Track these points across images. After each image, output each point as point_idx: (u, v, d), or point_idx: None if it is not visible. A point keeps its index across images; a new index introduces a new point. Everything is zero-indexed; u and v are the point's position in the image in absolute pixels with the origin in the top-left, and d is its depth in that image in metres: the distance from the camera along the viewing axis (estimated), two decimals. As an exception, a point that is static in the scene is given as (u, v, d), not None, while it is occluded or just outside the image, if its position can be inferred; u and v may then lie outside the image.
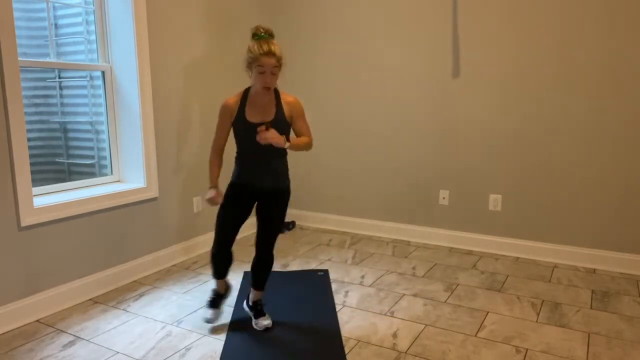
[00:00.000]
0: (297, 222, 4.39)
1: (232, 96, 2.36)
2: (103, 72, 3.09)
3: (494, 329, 2.41)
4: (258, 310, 2.48)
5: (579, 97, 3.14)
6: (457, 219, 3.65)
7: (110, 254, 2.95)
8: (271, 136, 2.19)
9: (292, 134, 2.36)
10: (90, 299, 2.81)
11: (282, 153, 2.37)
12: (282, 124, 2.29)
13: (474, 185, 3.55)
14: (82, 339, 2.35)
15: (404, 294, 2.83)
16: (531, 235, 3.41)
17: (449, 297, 2.79)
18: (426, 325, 2.46)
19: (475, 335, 2.35)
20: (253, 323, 2.47)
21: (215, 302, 2.50)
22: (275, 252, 2.40)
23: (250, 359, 2.15)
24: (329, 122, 4.08)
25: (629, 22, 2.95)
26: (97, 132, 3.13)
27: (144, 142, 3.12)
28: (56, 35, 2.92)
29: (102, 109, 3.13)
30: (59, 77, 2.93)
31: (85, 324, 2.50)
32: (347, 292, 2.88)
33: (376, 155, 3.91)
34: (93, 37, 3.05)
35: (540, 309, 2.62)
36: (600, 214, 3.18)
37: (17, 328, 2.46)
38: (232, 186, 2.38)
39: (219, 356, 2.18)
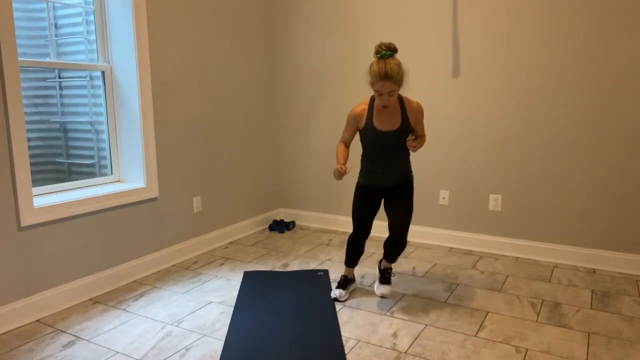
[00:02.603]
0: (297, 222, 4.39)
1: (359, 104, 2.56)
2: (103, 72, 3.09)
3: (494, 329, 2.41)
4: (385, 277, 2.80)
5: (579, 96, 3.14)
6: (457, 219, 3.65)
7: (110, 254, 2.95)
8: (417, 145, 2.45)
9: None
10: (90, 299, 2.81)
11: (406, 154, 2.60)
12: (407, 129, 2.50)
13: (474, 185, 3.55)
14: (82, 339, 2.35)
15: (404, 294, 2.83)
16: (531, 235, 3.41)
17: (449, 297, 2.79)
18: (426, 325, 2.46)
19: (475, 335, 2.35)
20: (375, 286, 2.84)
21: (344, 285, 2.79)
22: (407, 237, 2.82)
23: (250, 359, 2.15)
24: (329, 122, 4.08)
25: (629, 22, 2.95)
26: (97, 132, 3.13)
27: (144, 142, 3.12)
28: (56, 35, 2.92)
29: (102, 109, 3.13)
30: (59, 77, 2.93)
31: (85, 324, 2.51)
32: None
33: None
34: (93, 37, 3.05)
35: (540, 309, 2.62)
36: (600, 214, 3.18)
37: (17, 328, 2.46)
38: (361, 186, 2.66)
39: (219, 356, 2.18)
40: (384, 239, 3.21)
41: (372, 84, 2.34)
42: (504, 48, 3.32)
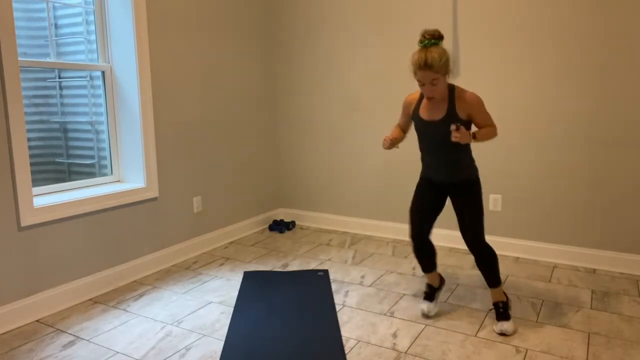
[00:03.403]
0: (297, 222, 4.39)
1: (415, 91, 2.47)
2: (103, 72, 3.09)
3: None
4: (499, 312, 2.39)
5: (579, 97, 3.14)
6: (457, 219, 3.64)
7: (111, 254, 2.95)
8: (460, 136, 2.19)
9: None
10: (90, 299, 2.81)
11: (460, 148, 2.35)
12: (452, 121, 2.28)
13: (474, 185, 3.55)
14: (82, 339, 2.35)
15: (404, 294, 2.83)
16: (531, 235, 3.41)
17: (449, 297, 2.79)
18: (426, 325, 2.46)
19: (475, 335, 2.34)
20: (494, 325, 2.40)
21: (429, 295, 2.56)
22: (486, 241, 2.40)
23: (250, 359, 2.15)
24: (330, 122, 4.08)
25: (629, 22, 2.95)
26: (97, 132, 3.13)
27: (144, 142, 3.12)
28: (56, 35, 2.92)
29: (102, 109, 3.13)
30: (59, 77, 2.93)
31: (85, 324, 2.51)
32: (347, 292, 2.88)
33: (376, 155, 3.91)
34: (93, 37, 3.05)
35: (540, 309, 2.62)
36: (600, 214, 3.18)
37: (17, 328, 2.46)
38: (420, 178, 2.53)
39: (219, 356, 2.18)
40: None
41: (414, 74, 2.23)
42: (503, 48, 3.32)
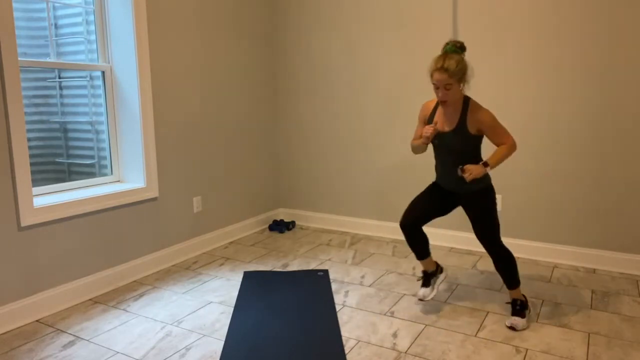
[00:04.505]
0: (297, 222, 4.39)
1: (431, 100, 2.54)
2: (103, 72, 3.09)
3: (494, 329, 2.41)
4: (515, 309, 2.45)
5: (579, 97, 3.14)
6: (457, 219, 3.65)
7: (110, 254, 2.95)
8: (471, 175, 2.27)
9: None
10: (90, 299, 2.81)
11: (469, 160, 2.38)
12: (461, 135, 2.35)
13: (474, 185, 3.55)
14: (82, 339, 2.35)
15: (404, 294, 2.83)
16: (531, 235, 3.41)
17: (449, 297, 2.79)
18: (426, 325, 2.46)
19: (475, 335, 2.35)
20: (506, 320, 2.47)
21: (425, 281, 2.63)
22: (504, 244, 2.47)
23: (250, 359, 2.15)
24: (330, 122, 4.08)
25: (629, 21, 2.95)
26: (97, 132, 3.13)
27: (144, 142, 3.12)
28: (56, 35, 2.92)
29: (102, 109, 3.13)
30: (59, 77, 2.93)
31: (85, 324, 2.51)
32: (347, 292, 2.88)
33: (376, 155, 3.91)
34: (93, 37, 3.05)
35: (540, 309, 2.62)
36: (600, 214, 3.18)
37: (17, 328, 2.46)
38: (433, 182, 2.61)
39: (219, 356, 2.18)
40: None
41: (431, 76, 2.31)
42: (504, 47, 3.32)
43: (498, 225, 2.42)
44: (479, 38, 3.39)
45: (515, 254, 3.46)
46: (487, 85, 3.40)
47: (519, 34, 3.27)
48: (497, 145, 2.38)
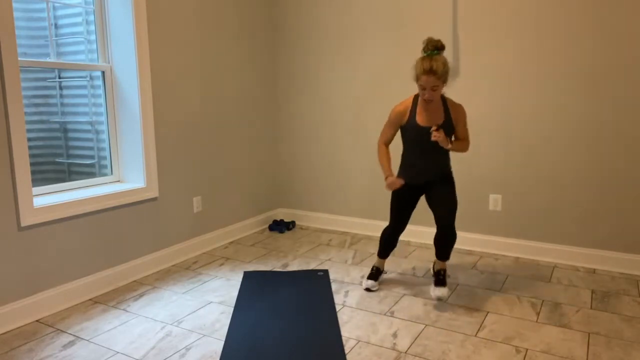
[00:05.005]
0: (297, 222, 4.39)
1: (401, 102, 2.67)
2: (103, 72, 3.09)
3: (494, 329, 2.41)
4: (439, 279, 2.72)
5: (579, 97, 3.14)
6: (457, 219, 3.65)
7: (110, 254, 2.95)
8: (440, 136, 2.48)
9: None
10: (90, 299, 2.81)
11: (445, 152, 2.67)
12: (449, 126, 2.59)
13: (474, 185, 3.55)
14: (82, 339, 2.35)
15: (404, 294, 2.83)
16: (531, 235, 3.41)
17: (449, 297, 2.79)
18: (426, 325, 2.46)
19: (475, 335, 2.35)
20: (430, 290, 2.74)
21: (375, 275, 2.91)
22: (455, 227, 2.84)
23: (250, 359, 2.15)
24: (330, 122, 4.08)
25: (634, 22, 2.95)
26: (97, 132, 3.13)
27: (144, 142, 3.12)
28: (56, 35, 2.92)
29: (102, 109, 3.13)
30: (59, 77, 2.93)
31: (85, 324, 2.51)
32: (347, 292, 2.88)
33: (377, 155, 3.91)
34: (93, 37, 3.05)
35: (540, 309, 2.62)
36: (600, 214, 3.18)
37: (17, 328, 2.46)
38: (401, 186, 2.72)
39: (219, 356, 2.18)
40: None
41: (417, 79, 2.46)
42: (505, 47, 3.32)
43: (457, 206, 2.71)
44: (480, 37, 3.39)
45: (515, 254, 3.47)
46: (487, 85, 3.40)
47: (522, 35, 3.27)
48: (459, 139, 2.67)
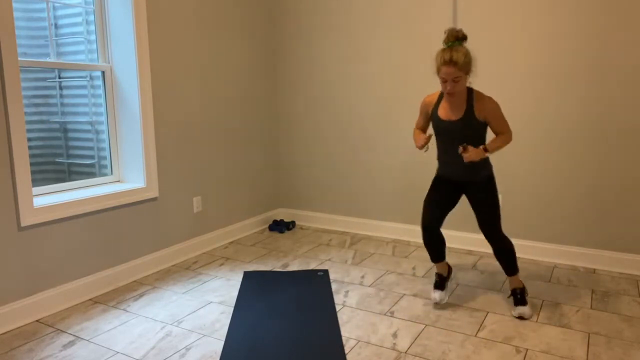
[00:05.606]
0: (297, 222, 4.39)
1: (432, 93, 2.58)
2: (103, 72, 3.09)
3: (494, 329, 2.41)
4: (517, 298, 2.54)
5: (579, 97, 3.14)
6: (457, 219, 3.64)
7: (110, 254, 2.95)
8: (470, 156, 2.33)
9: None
10: (90, 299, 2.81)
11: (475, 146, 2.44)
12: (470, 123, 2.41)
13: (474, 185, 3.55)
14: (82, 339, 2.35)
15: (404, 294, 2.83)
16: (531, 235, 3.41)
17: (449, 297, 2.79)
18: (426, 325, 2.46)
19: (475, 335, 2.35)
20: (512, 309, 2.57)
21: (439, 284, 2.67)
22: (505, 233, 2.61)
23: (250, 359, 2.15)
24: (330, 122, 4.08)
25: (632, 22, 2.95)
26: (97, 132, 3.13)
27: (144, 142, 3.12)
28: (56, 35, 2.92)
29: (102, 109, 3.13)
30: (59, 77, 2.93)
31: (85, 324, 2.51)
32: (347, 292, 2.88)
33: (377, 155, 3.91)
34: (93, 37, 3.05)
35: (540, 309, 2.62)
36: (600, 214, 3.18)
37: (17, 328, 2.46)
38: (435, 176, 2.64)
39: (219, 356, 2.18)
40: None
41: (438, 71, 2.34)
42: (504, 47, 3.32)
43: (500, 213, 2.51)
44: (479, 34, 3.39)
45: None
46: (487, 85, 3.40)
47: (521, 34, 3.27)
48: (497, 134, 2.45)
